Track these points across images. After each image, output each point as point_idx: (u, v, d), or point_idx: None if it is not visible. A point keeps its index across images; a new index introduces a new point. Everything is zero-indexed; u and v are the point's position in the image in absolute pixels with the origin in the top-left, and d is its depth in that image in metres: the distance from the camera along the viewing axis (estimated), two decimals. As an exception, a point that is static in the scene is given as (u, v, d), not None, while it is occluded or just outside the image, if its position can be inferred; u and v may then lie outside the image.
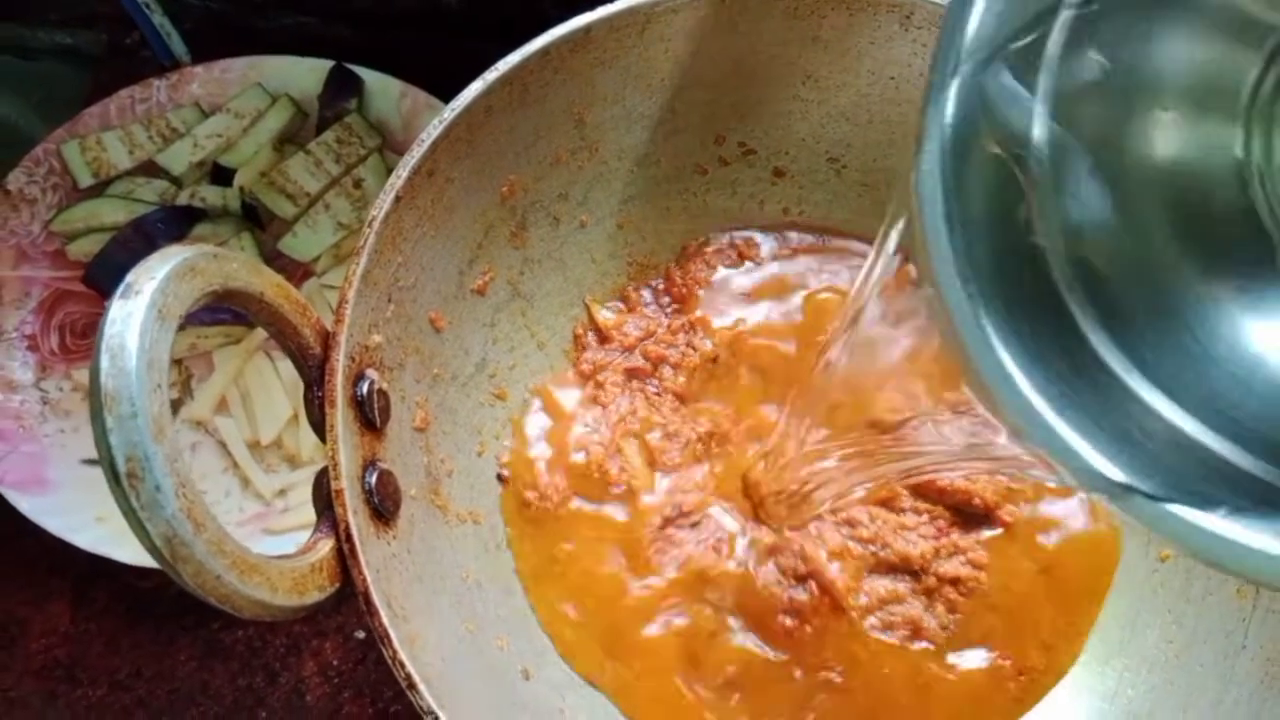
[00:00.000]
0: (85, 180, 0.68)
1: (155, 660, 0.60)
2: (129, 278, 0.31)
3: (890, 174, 0.51)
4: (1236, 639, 0.40)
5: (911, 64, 0.48)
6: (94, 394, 0.29)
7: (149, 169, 0.69)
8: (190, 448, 0.63)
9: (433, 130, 0.41)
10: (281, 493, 0.61)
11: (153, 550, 0.29)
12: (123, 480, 0.29)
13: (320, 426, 0.37)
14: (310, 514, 0.37)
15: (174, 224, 0.65)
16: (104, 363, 0.29)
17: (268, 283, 0.35)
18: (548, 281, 0.48)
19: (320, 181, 0.67)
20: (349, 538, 0.35)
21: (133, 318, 0.30)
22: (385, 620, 0.34)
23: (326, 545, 0.35)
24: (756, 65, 0.48)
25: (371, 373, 0.39)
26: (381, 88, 0.71)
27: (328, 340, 0.37)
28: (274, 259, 0.67)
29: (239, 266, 0.34)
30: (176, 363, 0.65)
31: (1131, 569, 0.44)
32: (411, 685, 0.33)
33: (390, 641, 0.34)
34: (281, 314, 0.36)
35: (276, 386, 0.63)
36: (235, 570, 0.31)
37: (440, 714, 0.33)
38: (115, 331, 0.29)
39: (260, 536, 0.60)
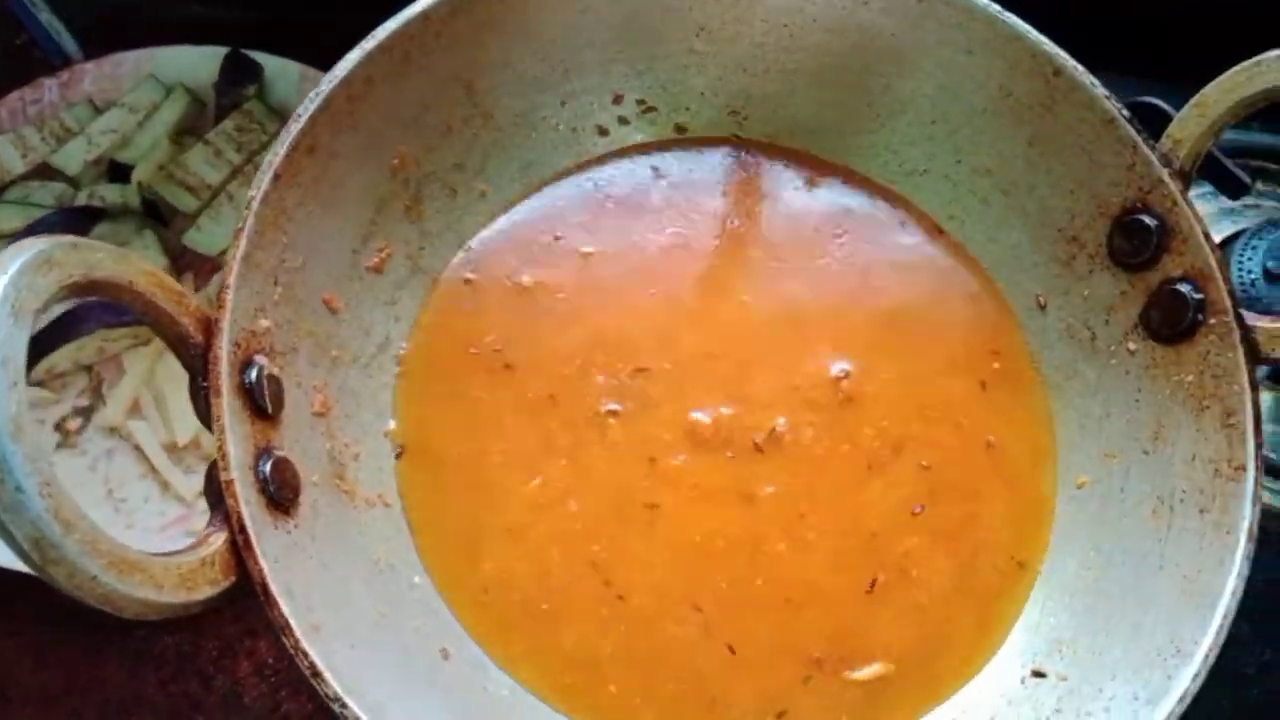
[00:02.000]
0: (-23, 187, 0.65)
1: (86, 672, 0.58)
2: (-24, 274, 0.29)
3: (792, 122, 0.50)
4: (1153, 560, 0.40)
5: (805, 10, 0.47)
6: (-56, 396, 0.28)
7: (45, 172, 0.67)
8: (105, 455, 0.61)
9: (309, 104, 0.39)
10: (202, 493, 0.59)
11: (21, 554, 0.28)
12: (-21, 484, 0.27)
13: (207, 418, 0.35)
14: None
15: (71, 226, 0.63)
16: (-47, 363, 0.28)
17: (137, 271, 0.34)
18: (451, 255, 0.47)
19: (221, 172, 0.66)
20: (242, 528, 0.33)
21: (-19, 315, 0.28)
22: (286, 610, 0.33)
23: (219, 538, 0.34)
24: (649, 20, 0.48)
25: (261, 359, 0.37)
26: (281, 71, 0.69)
27: (210, 328, 0.36)
28: (180, 255, 0.65)
29: (104, 256, 0.33)
30: (86, 369, 0.63)
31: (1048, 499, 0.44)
32: (316, 674, 0.33)
33: (291, 631, 0.33)
34: (155, 303, 0.34)
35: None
36: (114, 570, 0.29)
37: (348, 700, 0.32)
38: (-37, 330, 0.28)
39: (184, 539, 0.58)
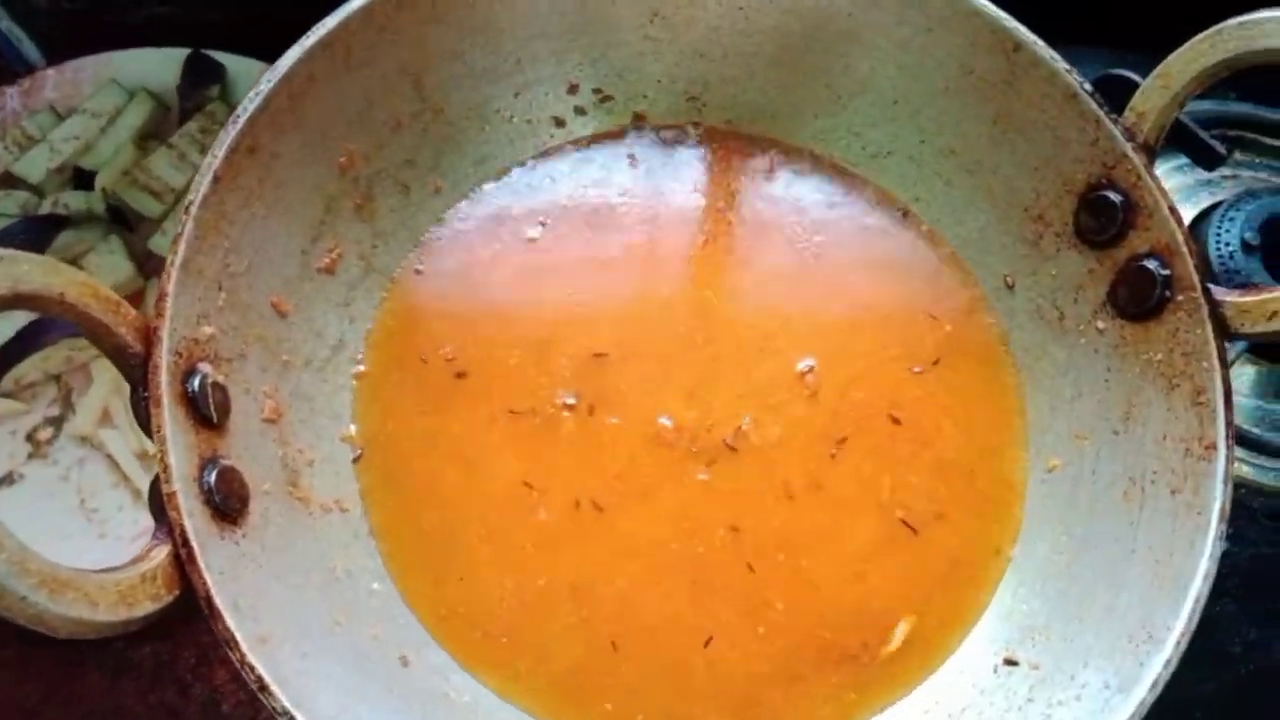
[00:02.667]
0: (-59, 199, 0.65)
1: (65, 684, 0.58)
2: (-106, 291, 0.29)
3: (753, 107, 0.49)
4: (1126, 543, 0.39)
5: (758, -10, 0.46)
6: None
7: (8, 181, 0.66)
8: (77, 464, 0.60)
9: (248, 104, 0.39)
10: (176, 501, 0.59)
11: (-53, 577, 0.28)
12: (-103, 508, 0.27)
13: (148, 427, 0.35)
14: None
15: (35, 235, 0.62)
16: None
17: (69, 282, 0.33)
18: (405, 254, 0.46)
19: (186, 175, 0.65)
20: (185, 541, 0.33)
21: (-104, 333, 0.27)
22: (230, 623, 0.32)
23: (162, 552, 0.33)
24: (601, 7, 0.47)
25: (204, 366, 0.37)
26: (245, 72, 0.68)
27: (149, 336, 0.35)
28: (146, 260, 0.64)
29: (30, 268, 0.32)
30: (55, 378, 0.62)
31: (1020, 483, 0.43)
32: (263, 688, 0.32)
33: (237, 645, 0.32)
34: (88, 314, 0.34)
35: (159, 392, 0.60)
36: (44, 589, 0.29)
37: (296, 713, 0.32)
38: (-123, 351, 0.27)
39: (158, 548, 0.58)
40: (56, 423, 0.61)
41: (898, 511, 0.43)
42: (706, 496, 0.42)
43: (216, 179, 0.38)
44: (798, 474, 0.43)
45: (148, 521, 0.58)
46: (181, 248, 0.36)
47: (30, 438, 0.61)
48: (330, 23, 0.41)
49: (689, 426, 0.43)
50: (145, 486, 0.59)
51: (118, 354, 0.35)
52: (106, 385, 0.61)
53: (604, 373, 0.44)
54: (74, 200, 0.65)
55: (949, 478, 0.43)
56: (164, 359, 0.35)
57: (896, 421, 0.44)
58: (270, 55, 0.68)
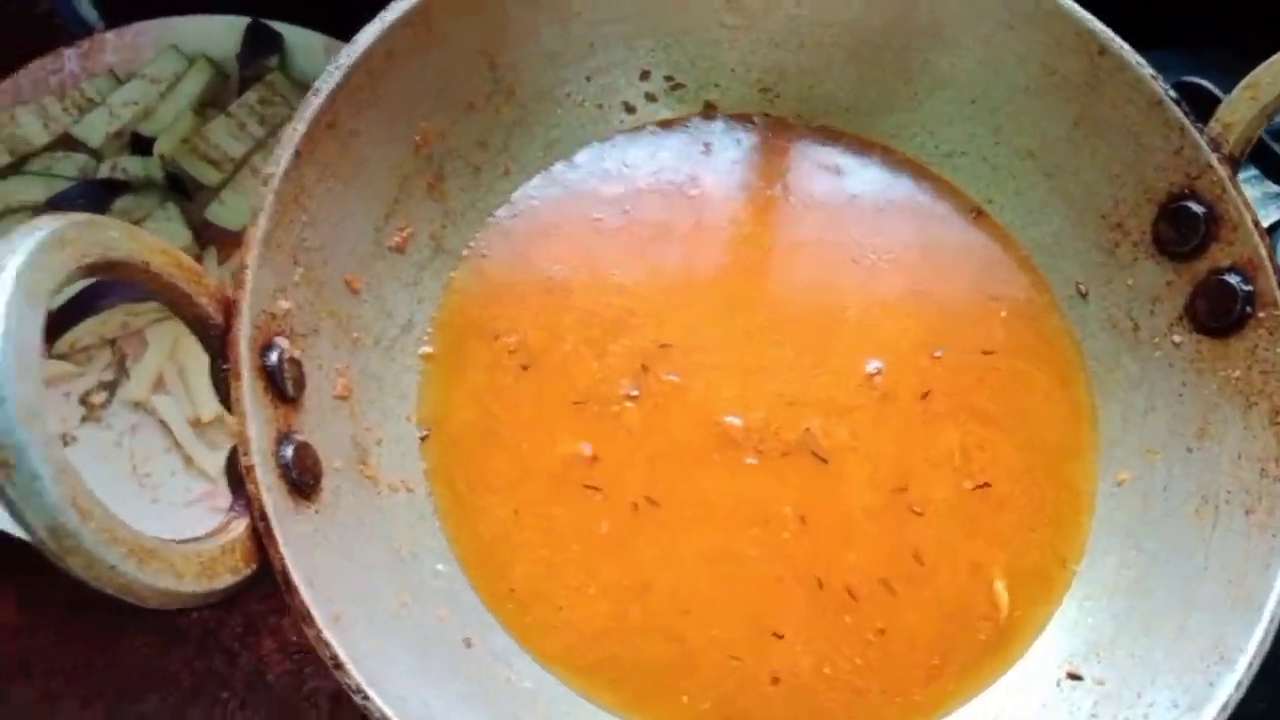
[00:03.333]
0: (1, 159, 0.65)
1: (109, 648, 0.58)
2: (-9, 254, 0.29)
3: (827, 99, 0.49)
4: (1198, 562, 0.39)
5: (840, -19, 0.45)
6: (-43, 382, 0.27)
7: (67, 143, 0.66)
8: (130, 430, 0.61)
9: (329, 78, 0.38)
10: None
11: (39, 543, 0.28)
12: (-5, 472, 0.27)
13: (228, 401, 0.35)
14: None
15: (94, 198, 0.62)
16: (-34, 348, 0.27)
17: (153, 250, 0.33)
18: (474, 235, 0.46)
19: (245, 145, 0.65)
20: (263, 515, 0.33)
21: (-6, 299, 0.27)
22: (307, 598, 0.32)
23: (240, 525, 0.33)
24: (677, -9, 0.46)
25: (281, 340, 0.37)
26: (304, 43, 0.68)
27: (230, 309, 0.35)
28: (203, 229, 0.64)
29: (118, 234, 0.32)
30: (110, 343, 0.62)
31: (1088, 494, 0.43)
32: (338, 665, 0.32)
33: (313, 620, 0.32)
34: (173, 283, 0.34)
35: (214, 361, 0.60)
36: (133, 558, 0.29)
37: (370, 692, 0.32)
38: (-23, 314, 0.27)
39: (209, 516, 0.58)
40: (110, 387, 0.62)
41: (961, 515, 0.42)
42: (774, 496, 0.42)
43: (297, 153, 0.37)
44: (865, 476, 0.42)
45: (199, 488, 0.59)
46: (262, 221, 0.36)
47: (84, 401, 0.61)
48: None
49: (756, 426, 0.43)
50: (197, 453, 0.60)
51: (199, 324, 0.35)
52: (161, 351, 0.61)
53: (669, 364, 0.44)
54: (132, 165, 0.65)
55: (1016, 485, 0.43)
56: (244, 331, 0.35)
57: (963, 427, 0.44)
58: (322, 26, 0.69)
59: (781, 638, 0.40)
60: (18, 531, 0.54)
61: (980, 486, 0.43)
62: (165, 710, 0.57)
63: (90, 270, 0.31)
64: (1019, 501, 0.43)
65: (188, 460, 0.60)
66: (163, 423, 0.61)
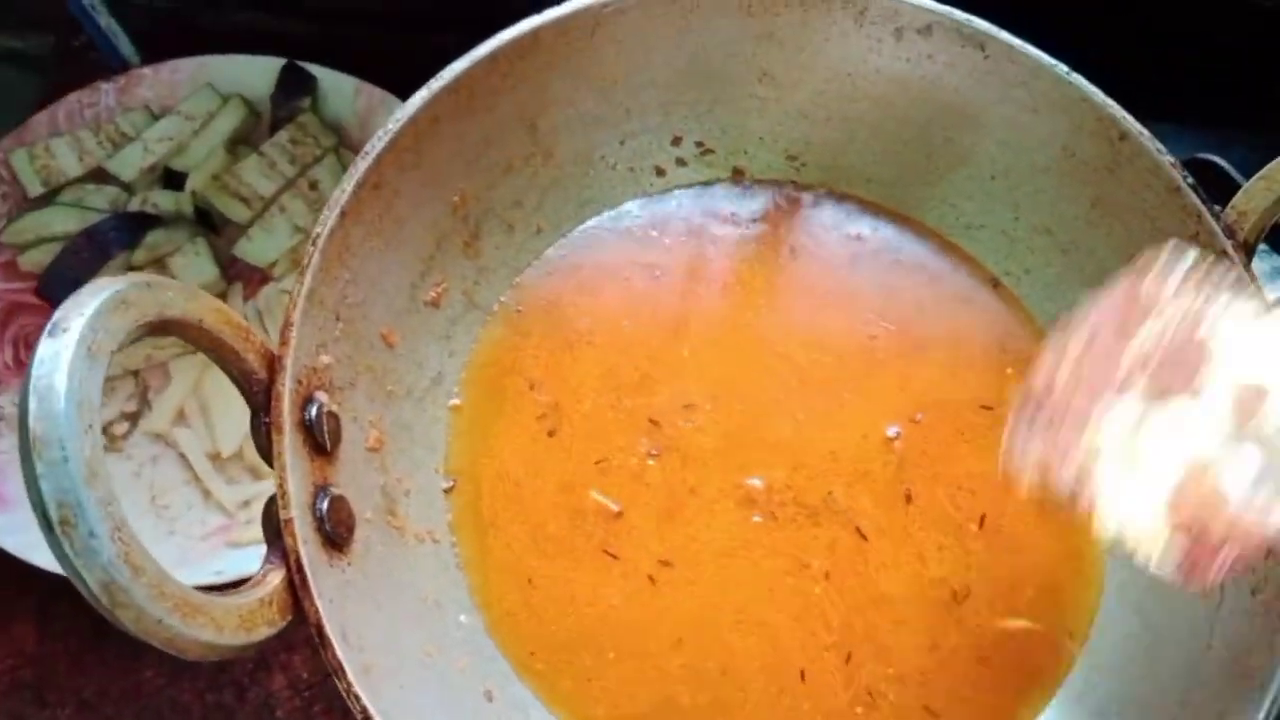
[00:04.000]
0: (35, 189, 0.66)
1: (122, 678, 0.59)
2: (57, 315, 0.30)
3: (851, 170, 0.50)
4: (1202, 638, 0.40)
5: (868, 60, 0.47)
6: (22, 438, 0.28)
7: (99, 175, 0.68)
8: (150, 461, 0.62)
9: (377, 143, 0.40)
10: (245, 504, 0.60)
11: (91, 597, 0.29)
12: (55, 528, 0.28)
13: (268, 454, 0.36)
14: (274, 526, 0.36)
15: (125, 231, 0.64)
16: (32, 405, 0.28)
17: (206, 309, 0.34)
18: (504, 291, 0.47)
19: (275, 183, 0.66)
20: (300, 569, 0.34)
21: (60, 357, 0.29)
22: (339, 653, 0.33)
23: (277, 577, 0.34)
24: (711, 64, 0.48)
25: (321, 395, 0.38)
26: (335, 85, 0.70)
27: (273, 364, 0.36)
28: (230, 265, 0.66)
29: (174, 294, 0.33)
30: (133, 374, 0.63)
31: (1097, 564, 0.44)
32: (368, 717, 0.33)
33: (344, 674, 0.33)
34: (222, 340, 0.35)
35: (235, 396, 0.60)
36: (178, 613, 0.30)
37: (397, 746, 0.33)
38: (43, 373, 0.28)
39: (224, 550, 0.59)
40: (133, 418, 0.63)
41: (975, 579, 0.43)
42: (794, 560, 0.43)
43: (343, 213, 0.39)
44: (890, 551, 0.44)
45: (216, 521, 0.60)
46: (308, 278, 0.37)
47: (106, 430, 0.62)
48: (457, 67, 0.42)
49: (778, 489, 0.44)
50: (215, 487, 0.61)
51: (244, 379, 0.36)
52: (184, 385, 0.62)
53: (693, 424, 0.45)
54: (163, 200, 0.66)
55: (1027, 553, 0.44)
56: (287, 386, 0.36)
57: (978, 496, 0.45)
58: (353, 68, 0.70)
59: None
60: (39, 560, 0.55)
61: (993, 555, 0.44)
62: (174, 742, 0.57)
63: (150, 329, 0.32)
64: (1029, 569, 0.44)
65: (206, 494, 0.61)
66: (182, 456, 0.62)
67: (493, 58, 0.42)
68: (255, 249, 0.65)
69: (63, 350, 0.29)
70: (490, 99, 0.43)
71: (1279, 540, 0.31)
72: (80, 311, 0.30)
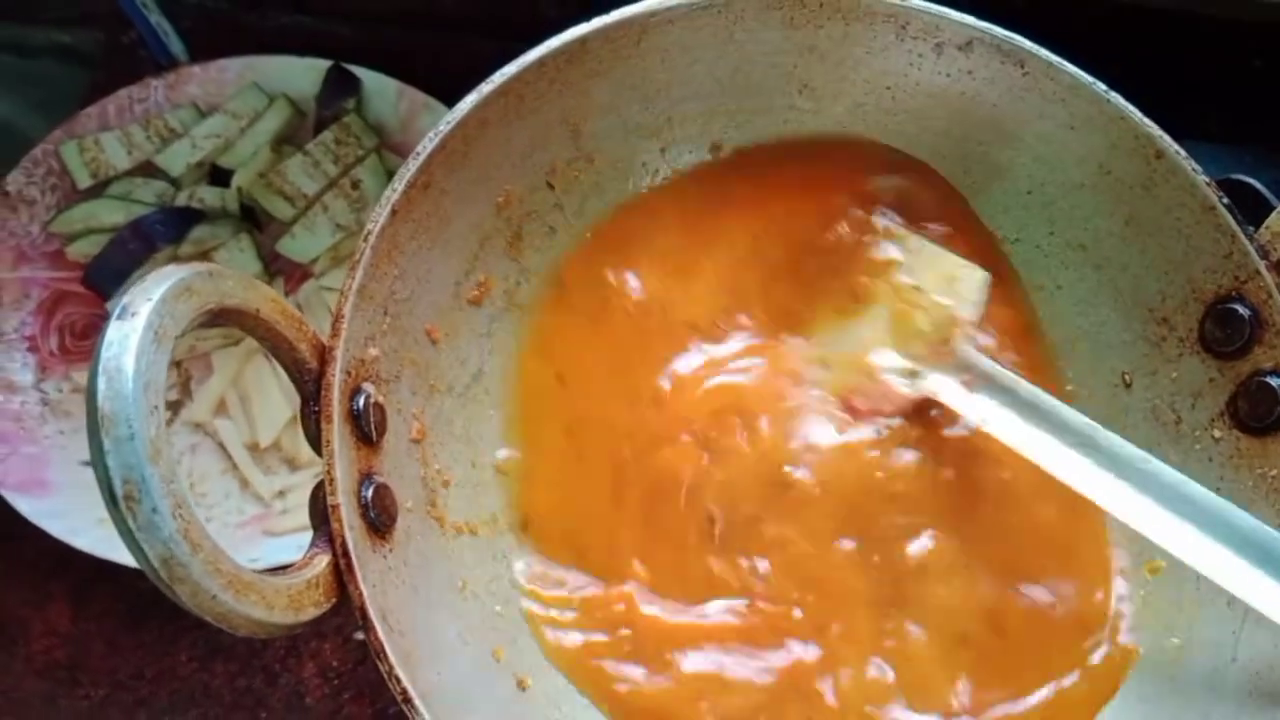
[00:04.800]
0: (84, 181, 0.68)
1: (156, 661, 0.60)
2: (125, 299, 0.31)
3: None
4: (1226, 652, 0.40)
5: (907, 74, 0.48)
6: (90, 415, 0.29)
7: (147, 169, 0.69)
8: (190, 449, 0.63)
9: (427, 144, 0.41)
10: (281, 494, 0.62)
11: (150, 571, 0.30)
12: (120, 503, 0.29)
13: (316, 441, 0.37)
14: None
15: (172, 225, 0.65)
16: (101, 385, 0.29)
17: (263, 299, 0.36)
18: (544, 291, 0.48)
19: (318, 183, 0.68)
20: (345, 553, 0.35)
21: (129, 340, 0.30)
22: (381, 635, 0.34)
23: (323, 560, 0.35)
24: (753, 74, 0.48)
25: (368, 386, 0.39)
26: (379, 88, 0.71)
27: (324, 354, 0.37)
28: (272, 260, 0.67)
29: (234, 284, 0.34)
30: (176, 364, 0.65)
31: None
32: (408, 700, 0.34)
33: (386, 656, 0.34)
34: (277, 330, 0.36)
35: (275, 389, 0.63)
36: (231, 589, 0.31)
37: (434, 728, 0.34)
38: (112, 354, 0.30)
39: (260, 538, 0.60)
40: (174, 407, 0.64)
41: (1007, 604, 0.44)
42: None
43: (394, 211, 0.40)
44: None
45: (252, 510, 0.62)
46: (359, 273, 0.38)
47: (148, 419, 0.63)
48: (507, 72, 0.43)
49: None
50: (253, 477, 0.62)
51: (296, 369, 0.37)
52: (226, 376, 0.63)
53: (737, 414, 0.46)
54: (209, 195, 0.68)
55: (1049, 573, 0.44)
56: (336, 377, 0.37)
57: (998, 508, 0.45)
58: (396, 71, 0.72)
59: None
60: (80, 543, 0.56)
61: (1022, 564, 0.44)
62: (204, 725, 0.59)
63: (211, 316, 0.33)
64: (1053, 584, 0.44)
65: (243, 483, 0.62)
66: (221, 445, 0.63)
67: (540, 64, 0.43)
68: (297, 246, 0.66)
69: (131, 333, 0.30)
70: (536, 103, 0.44)
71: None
72: (147, 297, 0.31)
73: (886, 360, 0.47)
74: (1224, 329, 0.44)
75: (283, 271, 0.67)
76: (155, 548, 0.29)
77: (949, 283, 0.47)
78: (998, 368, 0.46)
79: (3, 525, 0.58)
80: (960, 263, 0.48)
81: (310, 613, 0.34)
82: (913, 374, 0.46)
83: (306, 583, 0.34)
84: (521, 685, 0.40)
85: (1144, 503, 0.40)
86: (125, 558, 0.55)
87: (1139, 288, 0.46)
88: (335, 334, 0.37)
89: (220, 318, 0.34)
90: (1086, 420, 0.43)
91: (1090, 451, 0.42)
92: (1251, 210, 0.44)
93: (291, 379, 0.38)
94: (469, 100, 0.42)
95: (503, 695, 0.40)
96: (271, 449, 0.63)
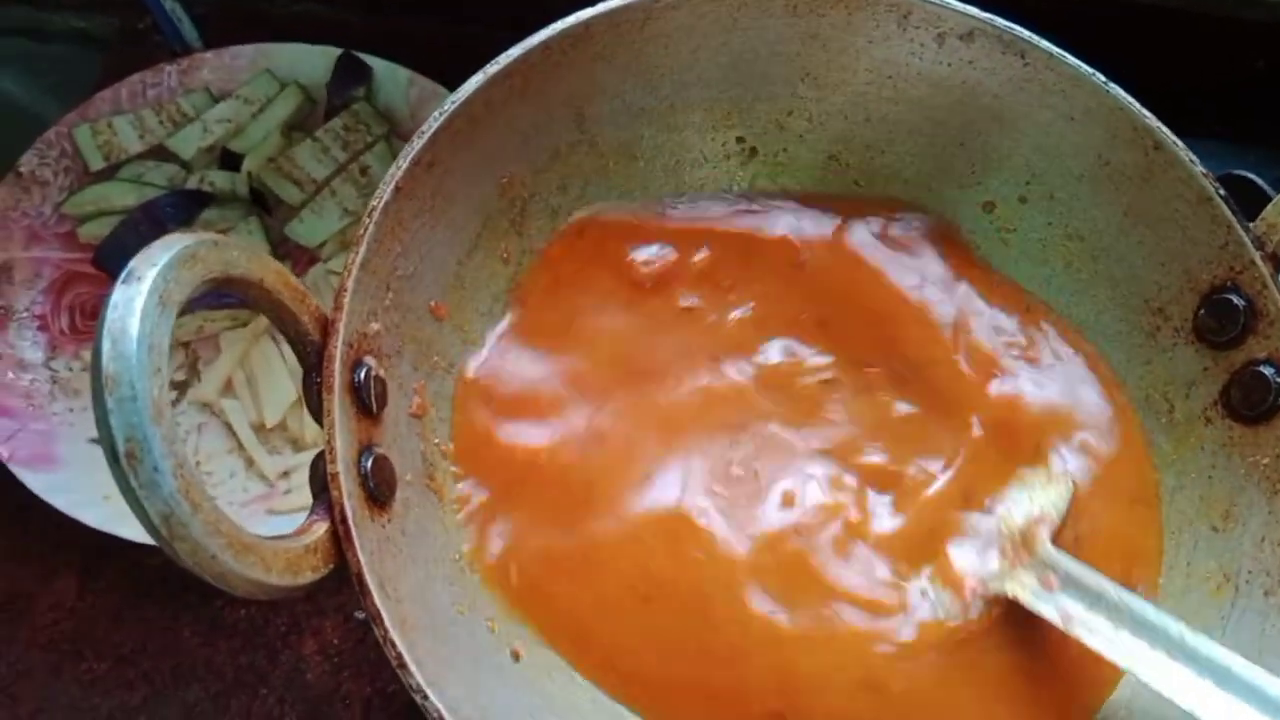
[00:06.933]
0: (96, 163, 0.69)
1: (159, 636, 0.61)
2: (131, 264, 0.32)
3: (888, 170, 0.51)
4: (1215, 636, 0.40)
5: (909, 64, 0.48)
6: (95, 376, 0.30)
7: (159, 153, 0.70)
8: (196, 429, 0.64)
9: (432, 122, 0.42)
10: (285, 474, 0.62)
11: (151, 529, 0.30)
12: (122, 460, 0.29)
13: (318, 412, 0.37)
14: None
15: (183, 208, 0.66)
16: (105, 346, 0.30)
17: (268, 269, 0.36)
18: (543, 272, 0.49)
19: (327, 168, 0.68)
20: (344, 520, 0.35)
21: (134, 303, 0.30)
22: (378, 601, 0.35)
23: (322, 527, 0.36)
24: (756, 62, 0.49)
25: (369, 359, 0.39)
26: (390, 76, 0.72)
27: (326, 327, 0.38)
28: (280, 244, 0.68)
29: (239, 254, 0.35)
30: (184, 345, 0.66)
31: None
32: (402, 665, 0.34)
33: (382, 621, 0.34)
34: (281, 301, 0.37)
35: (281, 370, 0.64)
36: (231, 550, 0.31)
37: (429, 693, 0.34)
38: (117, 316, 0.30)
39: (264, 517, 0.61)
40: (181, 387, 0.65)
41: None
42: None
43: (398, 189, 0.40)
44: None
45: (256, 490, 0.62)
46: (362, 248, 0.39)
47: (156, 397, 0.64)
48: (512, 54, 0.43)
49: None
50: (258, 457, 0.63)
51: (299, 340, 0.38)
52: (233, 357, 0.64)
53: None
54: (220, 179, 0.69)
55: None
56: (338, 349, 0.37)
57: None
58: (406, 59, 0.72)
59: None
60: (87, 518, 0.57)
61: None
62: (206, 700, 0.59)
63: (215, 284, 0.34)
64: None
65: (249, 462, 0.63)
66: (227, 425, 0.64)
67: (545, 46, 0.44)
68: (306, 230, 0.67)
69: (136, 297, 0.31)
70: (541, 85, 0.45)
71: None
72: (153, 263, 0.32)
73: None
74: (1219, 319, 0.44)
75: (290, 255, 0.68)
76: (156, 505, 0.30)
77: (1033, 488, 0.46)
78: (1084, 568, 0.41)
79: (11, 501, 0.59)
80: (1049, 473, 0.46)
81: (308, 577, 0.34)
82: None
83: (305, 548, 0.34)
84: (515, 656, 0.41)
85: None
86: (131, 533, 0.56)
87: (1135, 278, 0.47)
88: (338, 307, 0.38)
89: (225, 286, 0.35)
90: (1184, 626, 0.38)
91: (1189, 661, 0.37)
92: (1251, 205, 0.44)
93: (294, 350, 0.38)
94: (474, 81, 0.43)
95: (497, 664, 0.40)
96: (277, 429, 0.63)
